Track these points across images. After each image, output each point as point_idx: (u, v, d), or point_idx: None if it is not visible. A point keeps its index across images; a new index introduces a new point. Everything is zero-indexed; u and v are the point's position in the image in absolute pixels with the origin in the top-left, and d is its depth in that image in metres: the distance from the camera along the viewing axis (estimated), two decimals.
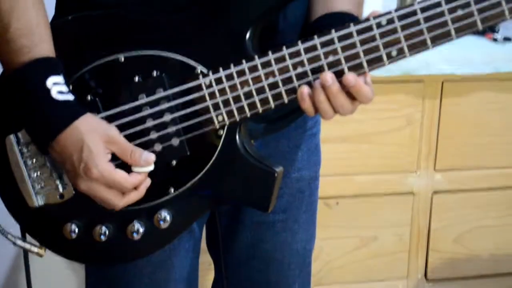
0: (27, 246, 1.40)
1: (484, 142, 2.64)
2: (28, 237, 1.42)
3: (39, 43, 1.27)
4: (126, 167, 1.28)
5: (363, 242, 2.66)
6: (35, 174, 1.34)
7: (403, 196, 2.64)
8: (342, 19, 1.30)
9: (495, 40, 2.62)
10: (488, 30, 2.67)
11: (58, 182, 1.34)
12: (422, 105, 2.58)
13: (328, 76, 1.22)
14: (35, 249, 1.40)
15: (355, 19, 1.30)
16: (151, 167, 1.29)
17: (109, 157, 1.26)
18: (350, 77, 1.22)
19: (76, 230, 1.36)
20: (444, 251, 2.71)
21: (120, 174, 1.26)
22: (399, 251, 2.69)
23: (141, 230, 1.35)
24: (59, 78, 1.26)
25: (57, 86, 1.25)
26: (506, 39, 2.61)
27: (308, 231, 1.62)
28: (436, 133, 2.61)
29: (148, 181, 1.30)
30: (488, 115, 2.62)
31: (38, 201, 1.35)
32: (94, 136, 1.25)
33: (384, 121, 2.54)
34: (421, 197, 2.65)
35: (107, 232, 1.36)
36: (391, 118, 2.55)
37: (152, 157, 1.28)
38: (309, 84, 1.25)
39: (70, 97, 1.27)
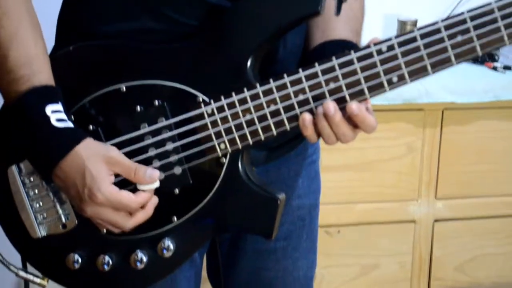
0: (30, 277, 1.40)
1: (485, 170, 2.64)
2: (30, 267, 1.41)
3: (37, 72, 1.28)
4: (132, 187, 1.28)
5: (364, 270, 2.66)
6: (38, 205, 1.34)
7: (404, 224, 2.65)
8: (341, 46, 1.31)
9: (495, 68, 2.63)
10: (488, 59, 2.69)
11: (60, 212, 1.34)
12: (422, 134, 2.59)
13: (331, 105, 1.23)
14: (38, 280, 1.40)
15: (354, 47, 1.31)
16: (157, 184, 1.28)
17: (112, 179, 1.26)
18: (353, 106, 1.23)
19: (79, 260, 1.35)
20: (446, 279, 2.71)
21: (126, 195, 1.26)
22: (401, 279, 2.68)
23: (145, 259, 1.34)
24: (58, 106, 1.27)
25: (56, 114, 1.26)
26: (506, 67, 2.63)
27: (309, 259, 1.62)
28: (437, 161, 2.62)
29: (155, 199, 1.30)
30: (488, 143, 2.63)
31: (40, 231, 1.35)
32: (95, 159, 1.25)
33: (385, 149, 2.55)
34: (422, 225, 2.65)
35: (110, 262, 1.35)
36: (392, 146, 2.56)
37: (156, 173, 1.28)
38: (311, 111, 1.26)
39: (70, 124, 1.27)
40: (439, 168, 2.63)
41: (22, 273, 1.40)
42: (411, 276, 2.68)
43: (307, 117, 1.25)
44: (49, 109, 1.25)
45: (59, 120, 1.25)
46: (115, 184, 1.27)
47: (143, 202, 1.28)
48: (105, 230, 1.32)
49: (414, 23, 2.78)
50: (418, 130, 2.59)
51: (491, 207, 2.68)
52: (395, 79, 1.23)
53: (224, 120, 1.28)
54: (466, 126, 2.62)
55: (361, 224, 2.61)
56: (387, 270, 2.66)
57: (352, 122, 1.25)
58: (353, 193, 2.58)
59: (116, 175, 1.27)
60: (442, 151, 2.61)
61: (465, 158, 2.63)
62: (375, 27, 2.91)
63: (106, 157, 1.26)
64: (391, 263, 2.66)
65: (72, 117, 1.31)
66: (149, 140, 1.31)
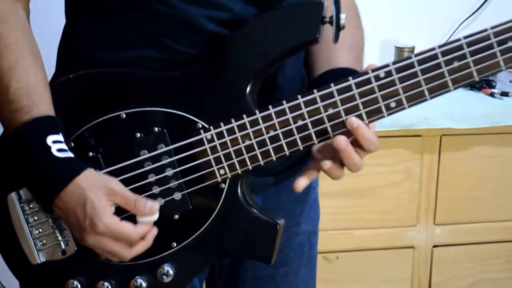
0: None
1: (483, 195, 2.65)
2: None
3: (38, 102, 1.29)
4: (131, 218, 1.28)
5: None
6: (37, 231, 1.34)
7: (403, 250, 2.65)
8: (346, 74, 1.32)
9: (492, 95, 2.64)
10: (486, 85, 2.71)
11: (60, 238, 1.34)
12: (421, 160, 2.60)
13: (342, 140, 1.24)
14: None
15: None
16: (156, 216, 1.28)
17: (113, 209, 1.26)
18: (353, 120, 1.24)
19: (79, 286, 1.35)
20: None
21: (127, 226, 1.26)
22: None
23: (144, 285, 1.34)
24: (59, 137, 1.27)
25: (57, 144, 1.26)
26: (503, 93, 2.64)
27: (308, 285, 1.62)
28: (435, 187, 2.62)
29: (154, 231, 1.30)
30: (486, 169, 2.64)
31: (39, 258, 1.34)
32: (96, 190, 1.26)
33: (383, 175, 2.56)
34: (421, 251, 2.65)
35: None
36: (390, 172, 2.56)
37: (156, 205, 1.28)
38: (309, 138, 1.26)
39: (71, 154, 1.27)
40: (438, 194, 2.63)
41: None
42: None
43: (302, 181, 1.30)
44: (50, 139, 1.26)
45: (60, 150, 1.26)
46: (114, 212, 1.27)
47: (143, 233, 1.28)
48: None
49: (412, 49, 2.80)
50: (416, 156, 2.60)
51: (489, 233, 2.68)
52: (393, 105, 1.24)
53: (224, 146, 1.29)
54: (464, 152, 2.62)
55: (360, 250, 2.61)
56: None
57: (355, 143, 1.26)
58: (352, 219, 2.58)
59: (118, 209, 1.27)
60: (440, 176, 2.62)
61: (463, 184, 2.63)
62: (373, 53, 2.92)
63: (107, 188, 1.26)
64: None
65: (72, 144, 1.32)
66: (149, 166, 1.31)
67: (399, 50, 2.81)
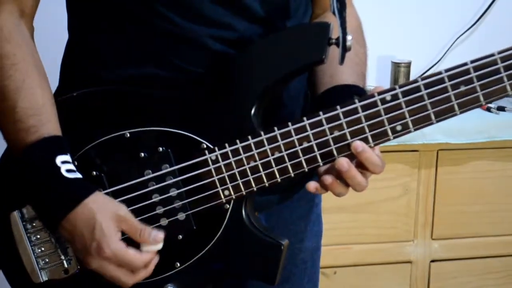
0: None
1: (480, 210, 2.66)
2: None
3: (46, 122, 1.28)
4: (133, 243, 1.28)
5: None
6: (39, 250, 1.34)
7: (400, 265, 2.65)
8: (349, 91, 1.32)
9: (489, 109, 2.65)
10: None
11: (62, 257, 1.34)
12: (418, 174, 2.60)
13: (344, 162, 1.25)
14: None
15: (361, 91, 1.33)
16: (160, 246, 1.29)
17: (119, 235, 1.26)
18: (358, 144, 1.24)
19: None
20: None
21: (133, 253, 1.26)
22: None
23: None
24: (67, 157, 1.27)
25: (66, 165, 1.26)
26: (500, 108, 2.64)
27: None
28: (432, 202, 2.63)
29: (156, 259, 1.30)
30: (483, 183, 2.64)
31: (42, 276, 1.34)
32: (105, 215, 1.25)
33: (381, 190, 2.56)
34: (418, 265, 2.65)
35: None
36: (387, 187, 2.57)
37: (161, 236, 1.28)
38: (315, 159, 1.26)
39: (79, 175, 1.27)
40: (435, 209, 2.63)
41: None
42: None
43: (312, 185, 1.28)
44: (59, 160, 1.26)
45: (68, 170, 1.26)
46: None
47: (147, 261, 1.28)
48: None
49: (408, 64, 2.80)
50: (414, 171, 2.60)
51: (487, 247, 2.69)
52: (399, 128, 1.24)
53: (228, 166, 1.29)
54: (461, 166, 2.63)
55: (358, 265, 2.61)
56: None
57: (360, 165, 1.26)
58: (349, 235, 2.58)
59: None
60: (438, 191, 2.63)
61: (461, 198, 2.64)
62: (369, 68, 2.89)
63: (116, 214, 1.26)
64: None
65: (76, 162, 1.31)
66: (153, 186, 1.31)
67: (396, 65, 2.81)
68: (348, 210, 2.56)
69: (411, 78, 2.81)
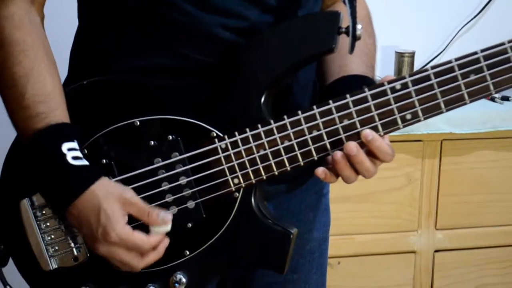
0: None
1: (484, 200, 2.66)
2: None
3: (54, 109, 1.29)
4: (144, 227, 1.29)
5: None
6: (49, 237, 1.34)
7: (404, 255, 2.65)
8: (359, 81, 1.33)
9: (493, 99, 2.65)
10: None
11: (72, 245, 1.34)
12: (421, 164, 2.60)
13: (352, 146, 1.25)
14: None
15: (370, 81, 1.33)
16: (169, 227, 1.29)
17: (126, 219, 1.26)
18: (367, 132, 1.25)
19: None
20: None
21: (139, 236, 1.26)
22: None
23: None
24: (74, 144, 1.27)
25: (72, 152, 1.26)
26: (504, 98, 2.64)
27: None
28: (436, 192, 2.63)
29: (166, 241, 1.30)
30: (487, 173, 2.64)
31: (52, 264, 1.35)
32: (111, 199, 1.26)
33: (384, 180, 2.56)
34: (422, 255, 2.66)
35: None
36: (391, 177, 2.57)
37: (169, 216, 1.28)
38: (324, 148, 1.27)
39: (85, 162, 1.28)
40: (439, 199, 2.63)
41: None
42: None
43: (320, 170, 1.28)
44: (65, 147, 1.26)
45: (75, 158, 1.26)
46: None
47: (155, 244, 1.28)
48: None
49: (412, 54, 2.80)
50: (417, 161, 2.60)
51: (491, 237, 2.69)
52: (408, 117, 1.25)
53: (238, 155, 1.29)
54: (465, 156, 2.63)
55: (361, 255, 2.61)
56: None
57: (370, 154, 1.26)
58: (353, 225, 2.58)
59: (129, 218, 1.28)
60: (442, 181, 2.63)
61: (464, 188, 2.64)
62: None
63: (122, 198, 1.26)
64: None
65: (85, 151, 1.32)
66: (163, 175, 1.31)
67: (399, 55, 2.81)
68: (352, 200, 2.56)
69: (415, 68, 2.81)
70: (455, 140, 2.60)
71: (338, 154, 1.26)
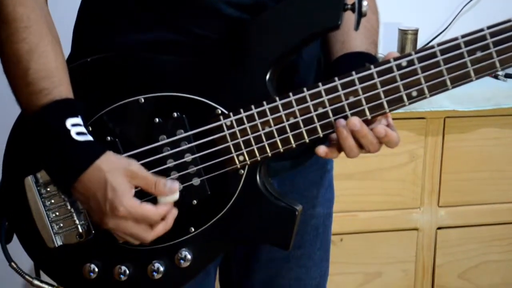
0: (45, 286, 1.40)
1: (487, 177, 2.66)
2: (42, 275, 1.41)
3: (58, 85, 1.28)
4: (151, 197, 1.29)
5: (367, 278, 2.67)
6: (54, 214, 1.35)
7: (407, 232, 2.66)
8: (361, 58, 1.32)
9: (496, 77, 2.64)
10: None
11: (77, 222, 1.34)
12: (424, 142, 2.60)
13: (356, 121, 1.25)
14: None
15: (373, 58, 1.33)
16: (177, 196, 1.29)
17: (133, 192, 1.26)
18: (381, 131, 1.27)
19: (96, 269, 1.36)
20: (449, 287, 2.72)
21: (147, 207, 1.26)
22: (404, 287, 2.69)
23: (161, 269, 1.35)
24: (78, 120, 1.27)
25: (76, 127, 1.26)
26: (508, 75, 2.64)
27: (322, 268, 1.63)
28: (439, 169, 2.63)
29: (175, 211, 1.30)
30: (490, 150, 2.64)
31: (56, 241, 1.35)
32: (117, 173, 1.25)
33: (387, 157, 2.56)
34: (425, 233, 2.66)
35: (127, 272, 1.36)
36: (394, 154, 2.57)
37: (176, 185, 1.28)
38: (330, 125, 1.27)
39: (90, 137, 1.27)
40: (442, 176, 2.64)
41: (37, 282, 1.40)
42: (414, 283, 2.69)
43: (321, 150, 1.28)
44: (69, 122, 1.25)
45: (79, 133, 1.26)
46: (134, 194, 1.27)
47: (164, 214, 1.28)
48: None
49: (415, 32, 2.79)
50: (420, 138, 2.60)
51: (493, 214, 2.69)
52: (414, 94, 1.24)
53: (243, 132, 1.29)
54: (468, 134, 2.63)
55: (364, 232, 2.62)
56: (390, 278, 2.67)
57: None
58: (356, 202, 2.59)
59: (136, 187, 1.27)
60: (444, 158, 2.63)
61: (467, 166, 2.64)
62: None
63: (127, 170, 1.26)
64: (394, 271, 2.67)
65: (90, 128, 1.32)
66: (168, 152, 1.31)
67: (403, 32, 2.80)
68: (355, 177, 2.56)
69: (418, 45, 2.81)
70: (458, 118, 2.60)
71: (341, 121, 1.26)
